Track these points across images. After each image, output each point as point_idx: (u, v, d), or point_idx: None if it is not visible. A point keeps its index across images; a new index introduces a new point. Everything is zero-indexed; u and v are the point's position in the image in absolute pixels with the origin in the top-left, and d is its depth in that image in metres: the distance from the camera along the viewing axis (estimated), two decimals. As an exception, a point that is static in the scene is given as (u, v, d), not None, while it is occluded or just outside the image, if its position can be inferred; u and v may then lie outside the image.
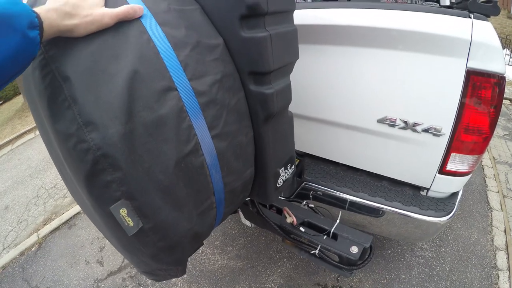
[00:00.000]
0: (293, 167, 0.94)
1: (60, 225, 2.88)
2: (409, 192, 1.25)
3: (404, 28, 0.98)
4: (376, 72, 1.08)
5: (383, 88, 1.09)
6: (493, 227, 2.28)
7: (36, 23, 0.44)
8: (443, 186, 1.18)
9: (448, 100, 0.99)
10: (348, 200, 1.25)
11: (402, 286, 1.81)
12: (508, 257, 2.05)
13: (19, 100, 11.00)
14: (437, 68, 0.98)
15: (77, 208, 3.07)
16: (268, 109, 0.73)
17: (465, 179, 1.17)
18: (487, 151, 3.10)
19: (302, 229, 1.14)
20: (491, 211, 2.42)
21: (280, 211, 1.25)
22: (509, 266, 1.98)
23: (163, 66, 0.58)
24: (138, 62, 0.54)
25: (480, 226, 2.29)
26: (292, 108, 0.90)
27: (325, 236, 1.12)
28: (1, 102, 14.36)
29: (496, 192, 2.58)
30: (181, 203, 0.63)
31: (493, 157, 3.02)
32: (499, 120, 1.07)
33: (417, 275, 1.88)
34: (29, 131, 7.06)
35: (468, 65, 0.93)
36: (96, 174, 0.52)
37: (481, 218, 2.36)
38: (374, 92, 1.11)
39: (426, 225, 1.18)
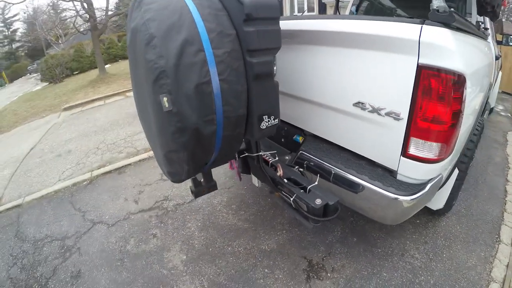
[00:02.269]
0: (276, 120, 1.31)
1: (111, 170, 3.49)
2: (380, 172, 1.47)
3: (369, 32, 1.26)
4: (351, 65, 1.40)
5: (356, 78, 1.39)
6: (495, 259, 2.22)
7: None
8: (409, 171, 1.36)
9: (404, 89, 1.23)
10: (333, 172, 1.53)
11: (380, 282, 1.89)
12: (502, 291, 2.03)
13: (94, 73, 12.65)
14: (395, 63, 1.23)
15: (129, 161, 3.67)
16: (254, 71, 1.18)
17: (433, 167, 1.33)
18: (514, 190, 3.00)
19: (285, 180, 1.45)
20: (499, 243, 2.37)
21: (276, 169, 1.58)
22: (500, 300, 1.96)
23: (200, 40, 1.09)
24: (188, 36, 1.07)
25: (482, 254, 2.25)
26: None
27: (302, 190, 1.42)
28: (77, 72, 16.64)
29: (511, 228, 2.54)
30: (194, 107, 1.10)
31: (520, 196, 2.92)
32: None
33: (399, 278, 1.93)
34: (100, 99, 8.12)
35: (419, 61, 1.15)
36: (158, 80, 1.07)
37: (486, 247, 2.31)
38: (350, 81, 1.42)
39: (388, 202, 1.36)
